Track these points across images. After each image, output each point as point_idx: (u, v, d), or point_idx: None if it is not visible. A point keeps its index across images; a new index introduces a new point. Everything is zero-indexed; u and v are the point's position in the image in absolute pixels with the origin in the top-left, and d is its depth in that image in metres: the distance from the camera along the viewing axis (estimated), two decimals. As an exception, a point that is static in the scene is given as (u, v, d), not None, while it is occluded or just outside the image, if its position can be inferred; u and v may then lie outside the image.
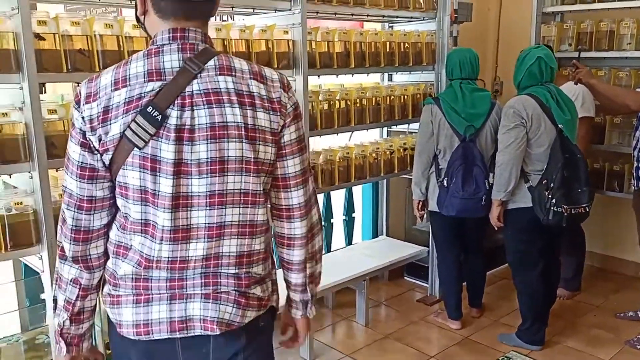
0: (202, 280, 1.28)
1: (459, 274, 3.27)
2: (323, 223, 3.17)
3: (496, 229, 3.02)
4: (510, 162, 2.74)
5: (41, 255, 2.01)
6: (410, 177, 3.43)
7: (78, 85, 1.45)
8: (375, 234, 4.03)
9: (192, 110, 1.20)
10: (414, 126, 3.50)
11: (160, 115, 1.18)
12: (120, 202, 1.27)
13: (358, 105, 3.05)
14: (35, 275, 2.49)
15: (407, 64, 3.28)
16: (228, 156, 1.22)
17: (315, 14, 2.85)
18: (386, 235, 4.00)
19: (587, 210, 2.75)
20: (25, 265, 2.45)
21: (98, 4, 2.85)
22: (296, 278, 1.44)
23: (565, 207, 2.65)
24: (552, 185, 2.65)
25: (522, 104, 2.72)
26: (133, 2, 1.33)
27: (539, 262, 2.91)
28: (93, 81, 1.25)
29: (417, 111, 3.35)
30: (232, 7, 2.58)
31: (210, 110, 1.20)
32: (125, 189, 1.24)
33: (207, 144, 1.20)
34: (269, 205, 1.38)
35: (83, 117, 1.22)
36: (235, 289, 1.30)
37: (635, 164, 3.06)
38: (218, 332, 1.29)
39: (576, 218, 2.75)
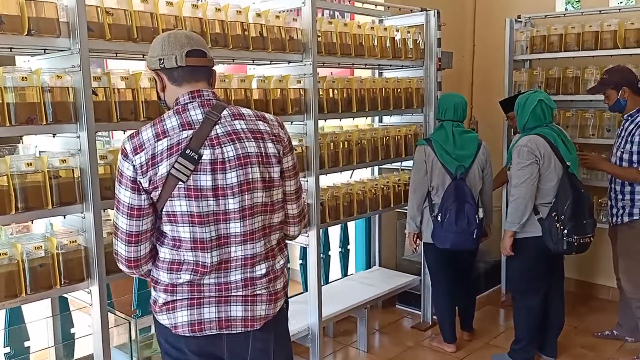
0: (242, 283, 1.65)
1: (452, 300, 3.53)
2: (322, 255, 3.51)
3: (504, 256, 3.30)
4: (526, 196, 2.99)
5: (90, 290, 2.16)
6: (403, 210, 3.71)
7: (124, 133, 2.11)
8: (369, 265, 4.27)
9: (221, 147, 1.58)
10: (406, 163, 3.81)
11: (196, 155, 1.55)
12: (168, 227, 1.62)
13: (359, 145, 3.33)
14: (66, 312, 2.63)
15: (400, 107, 3.60)
16: (252, 178, 1.61)
17: (322, 65, 3.14)
18: (379, 266, 4.24)
19: (592, 239, 3.06)
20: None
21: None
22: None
23: (575, 237, 2.95)
24: (562, 217, 2.94)
25: (535, 143, 3.01)
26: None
27: (542, 288, 3.18)
28: (134, 137, 1.61)
29: (409, 150, 3.66)
30: (253, 60, 2.84)
31: (235, 146, 1.59)
32: (174, 216, 1.59)
33: (237, 170, 1.59)
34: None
35: (134, 166, 1.57)
36: (267, 288, 1.68)
37: (609, 202, 3.37)
38: (257, 327, 1.67)
39: (584, 246, 3.04)
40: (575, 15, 4.22)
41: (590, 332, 3.78)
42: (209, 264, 1.60)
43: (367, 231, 4.24)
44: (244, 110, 1.67)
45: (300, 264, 3.82)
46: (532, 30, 4.20)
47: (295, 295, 3.71)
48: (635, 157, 3.13)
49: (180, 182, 1.54)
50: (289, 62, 2.94)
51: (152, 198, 1.58)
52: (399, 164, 3.90)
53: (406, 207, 3.50)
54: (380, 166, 3.98)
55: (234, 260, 1.63)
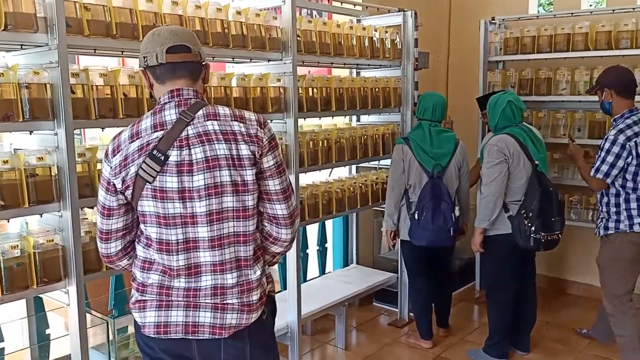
0: (212, 291, 1.60)
1: (429, 297, 3.58)
2: (300, 254, 3.49)
3: (476, 253, 3.35)
4: (495, 194, 3.07)
5: (67, 290, 2.13)
6: (381, 208, 3.75)
7: (102, 130, 2.15)
8: (347, 263, 4.29)
9: (190, 149, 1.54)
10: (384, 162, 3.84)
11: (162, 156, 1.53)
12: (142, 226, 1.63)
13: (338, 144, 3.35)
14: (41, 312, 2.58)
15: (377, 106, 3.63)
16: (221, 181, 1.55)
17: (302, 63, 3.14)
18: (357, 264, 4.27)
19: (559, 236, 3.14)
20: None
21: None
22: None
23: (542, 234, 3.03)
24: (530, 214, 3.03)
25: (505, 142, 3.09)
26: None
27: (513, 284, 3.26)
28: (116, 138, 1.63)
29: (387, 149, 3.69)
30: (233, 58, 2.83)
31: (204, 147, 1.54)
32: (143, 216, 1.59)
33: (204, 173, 1.54)
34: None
35: (111, 167, 1.59)
36: (239, 297, 1.61)
37: (599, 213, 3.20)
38: (226, 336, 1.61)
39: (551, 243, 3.12)
40: (547, 17, 4.31)
41: (562, 327, 3.88)
42: (175, 267, 1.58)
43: (344, 229, 4.26)
44: (221, 110, 1.61)
45: (279, 263, 3.81)
46: (506, 32, 4.28)
47: (274, 294, 3.72)
48: (597, 165, 2.98)
49: (147, 183, 1.54)
50: (269, 61, 2.94)
51: (126, 198, 1.60)
52: (377, 162, 3.93)
53: (384, 206, 3.54)
54: (358, 165, 4.01)
55: (203, 266, 1.59)
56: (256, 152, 1.58)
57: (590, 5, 4.80)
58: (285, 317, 3.15)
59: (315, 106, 3.18)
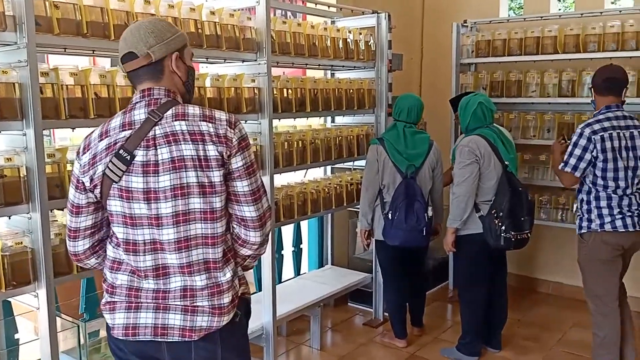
0: (181, 293, 1.59)
1: (403, 297, 3.61)
2: (275, 255, 3.47)
3: (449, 253, 3.39)
4: (466, 194, 3.12)
5: (37, 293, 2.09)
6: (355, 209, 3.77)
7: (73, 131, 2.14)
8: (322, 264, 4.30)
9: (156, 149, 1.52)
10: (359, 163, 3.86)
11: (129, 155, 1.52)
12: (112, 226, 1.61)
13: (312, 145, 3.35)
14: (10, 317, 2.52)
15: (352, 107, 3.66)
16: (187, 182, 1.53)
17: (276, 64, 3.14)
18: (331, 264, 4.28)
19: (529, 235, 3.20)
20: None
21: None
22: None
23: (512, 233, 3.08)
24: (500, 214, 3.08)
25: (476, 143, 3.14)
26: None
27: (485, 283, 3.31)
28: (88, 137, 1.62)
29: (362, 150, 3.72)
30: (207, 59, 2.81)
31: (170, 148, 1.52)
32: (111, 215, 1.59)
33: (169, 174, 1.52)
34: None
35: (80, 164, 1.59)
36: (209, 300, 1.59)
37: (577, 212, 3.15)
38: (196, 338, 1.59)
39: (521, 242, 3.18)
40: (518, 21, 4.39)
41: (533, 324, 3.96)
42: (142, 268, 1.58)
43: (319, 230, 4.27)
44: (191, 110, 1.57)
45: (253, 264, 3.80)
46: (478, 35, 4.36)
47: (248, 295, 3.71)
48: (566, 158, 2.96)
49: (114, 183, 1.53)
50: (243, 61, 2.93)
51: (96, 196, 1.59)
52: (351, 163, 3.95)
53: (358, 206, 3.56)
54: (333, 166, 4.02)
55: (171, 267, 1.58)
56: (224, 153, 1.54)
57: (559, 10, 4.92)
58: (260, 319, 3.14)
59: (290, 107, 3.18)
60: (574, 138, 2.94)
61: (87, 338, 2.58)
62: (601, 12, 3.93)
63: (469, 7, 4.68)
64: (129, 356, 1.65)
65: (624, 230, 2.89)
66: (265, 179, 3.00)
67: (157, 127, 1.53)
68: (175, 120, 1.55)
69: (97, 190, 1.56)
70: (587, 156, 2.90)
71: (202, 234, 1.57)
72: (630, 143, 2.88)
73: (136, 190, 1.52)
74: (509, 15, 4.85)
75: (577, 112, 4.01)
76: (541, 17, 4.19)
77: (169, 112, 1.55)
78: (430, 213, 3.35)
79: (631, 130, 2.90)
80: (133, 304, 1.60)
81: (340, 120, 4.08)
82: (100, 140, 1.56)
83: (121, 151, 1.52)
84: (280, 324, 3.56)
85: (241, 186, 1.59)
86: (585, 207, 3.01)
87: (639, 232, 2.93)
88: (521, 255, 4.28)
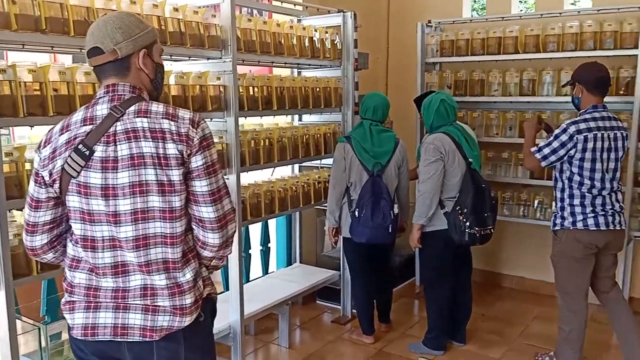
0: (141, 292, 1.56)
1: (370, 294, 3.65)
2: (243, 254, 3.45)
3: (415, 250, 3.43)
4: (432, 191, 3.17)
5: (-5, 296, 2.03)
6: (323, 207, 3.78)
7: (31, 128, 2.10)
8: (290, 262, 4.30)
9: (116, 145, 1.50)
10: (326, 161, 3.88)
11: (88, 151, 1.50)
12: (70, 221, 1.59)
13: (280, 143, 3.35)
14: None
15: (319, 106, 3.67)
16: (146, 180, 1.50)
17: (242, 62, 3.13)
18: (300, 263, 4.29)
19: (492, 231, 3.27)
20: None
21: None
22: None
23: (476, 229, 3.14)
24: (465, 210, 3.13)
25: (440, 140, 3.19)
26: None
27: (450, 278, 3.37)
28: (50, 131, 1.60)
29: (329, 148, 3.73)
30: (171, 56, 2.78)
31: (130, 144, 1.50)
32: (69, 211, 1.57)
33: (128, 170, 1.50)
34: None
35: (40, 158, 1.57)
36: (170, 300, 1.57)
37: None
38: (157, 338, 1.57)
39: (485, 238, 3.24)
40: (480, 21, 4.49)
41: (496, 319, 4.05)
42: (100, 265, 1.56)
43: (287, 228, 4.27)
44: (154, 107, 1.55)
45: (221, 263, 3.78)
46: (442, 35, 4.42)
47: (215, 295, 3.68)
48: (542, 145, 2.97)
49: (72, 178, 1.52)
50: (208, 59, 2.91)
51: (56, 191, 1.57)
52: (319, 161, 3.96)
53: (326, 204, 3.58)
54: (300, 164, 4.02)
55: (130, 265, 1.56)
56: (184, 152, 1.52)
57: (520, 10, 5.04)
58: (227, 318, 3.12)
59: (257, 105, 3.17)
60: (557, 131, 2.94)
61: (49, 341, 2.52)
62: (560, 13, 4.05)
63: (433, 8, 4.75)
64: (89, 357, 1.62)
65: (595, 228, 2.91)
66: (232, 178, 2.98)
67: (118, 123, 1.51)
68: (137, 116, 1.52)
69: (57, 185, 1.54)
70: (562, 152, 2.90)
71: (161, 233, 1.54)
72: (613, 144, 2.89)
73: (94, 186, 1.51)
74: (471, 16, 4.94)
75: (537, 110, 4.12)
76: (502, 17, 4.28)
77: (132, 109, 1.53)
78: (396, 210, 3.39)
79: (615, 132, 2.91)
80: (92, 304, 1.58)
81: (307, 118, 4.09)
82: (61, 134, 1.55)
83: (80, 146, 1.50)
84: (248, 323, 3.55)
85: (200, 186, 1.56)
86: (559, 204, 3.03)
87: (612, 231, 2.95)
88: (485, 250, 4.36)
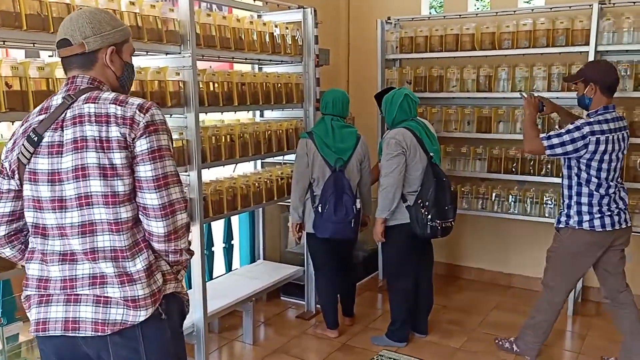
0: (90, 281, 1.54)
1: (334, 288, 3.67)
2: (205, 252, 3.39)
3: (377, 243, 3.47)
4: (394, 185, 3.21)
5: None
6: (286, 203, 3.79)
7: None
8: (253, 259, 4.29)
9: (62, 130, 1.52)
10: (289, 157, 3.88)
11: (37, 137, 1.53)
12: (24, 211, 1.59)
13: (241, 139, 3.34)
14: None
15: (280, 102, 3.66)
16: (88, 163, 1.49)
17: (202, 57, 3.10)
18: (263, 259, 4.28)
19: (453, 224, 3.34)
20: None
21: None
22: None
23: (438, 221, 3.20)
24: (427, 204, 3.19)
25: (402, 135, 3.23)
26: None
27: (412, 271, 3.43)
28: (18, 124, 1.63)
29: (291, 144, 3.74)
30: (128, 50, 2.72)
31: (74, 129, 1.51)
32: (25, 200, 1.58)
33: (72, 154, 1.50)
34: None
35: (5, 149, 1.61)
36: (120, 289, 1.53)
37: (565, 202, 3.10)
38: (110, 332, 1.54)
39: (446, 230, 3.31)
40: (438, 18, 4.57)
41: (457, 309, 4.15)
42: (48, 252, 1.55)
43: (251, 225, 4.26)
44: (105, 95, 1.55)
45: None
46: (401, 32, 4.48)
47: (181, 294, 3.63)
48: (552, 134, 2.94)
49: (24, 166, 1.53)
50: (167, 54, 2.87)
51: (17, 184, 1.59)
52: (281, 157, 3.96)
53: (289, 200, 3.58)
54: (263, 160, 4.02)
55: (77, 254, 1.53)
56: (127, 135, 1.49)
57: (477, 8, 5.15)
58: (190, 316, 3.09)
59: (217, 101, 3.15)
60: (571, 127, 2.90)
61: (5, 343, 2.44)
62: (514, 11, 4.15)
63: (393, 5, 4.81)
64: (49, 356, 1.59)
65: (601, 229, 2.93)
66: (193, 174, 2.96)
67: (68, 110, 1.53)
68: (86, 102, 1.53)
69: (17, 177, 1.56)
70: (569, 148, 2.88)
71: (105, 219, 1.51)
72: (619, 145, 2.91)
73: (42, 172, 1.52)
74: (430, 13, 5.03)
75: (494, 106, 4.22)
76: (459, 15, 4.37)
77: (83, 96, 1.55)
78: (358, 205, 3.43)
79: (622, 132, 2.94)
80: (44, 298, 1.57)
81: (268, 114, 4.08)
82: (22, 125, 1.59)
83: (31, 133, 1.53)
84: (211, 321, 3.52)
85: (144, 171, 1.52)
86: (566, 201, 3.03)
87: (618, 230, 2.96)
88: (445, 243, 4.46)
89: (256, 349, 3.56)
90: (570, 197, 3.01)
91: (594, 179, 2.92)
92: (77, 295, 1.54)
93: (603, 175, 2.91)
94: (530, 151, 3.12)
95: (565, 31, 3.84)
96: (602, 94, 2.92)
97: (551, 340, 3.41)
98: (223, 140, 3.20)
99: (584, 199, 2.96)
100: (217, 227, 4.06)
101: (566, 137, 2.88)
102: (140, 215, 1.57)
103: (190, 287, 3.33)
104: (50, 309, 1.55)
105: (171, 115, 2.90)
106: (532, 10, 4.16)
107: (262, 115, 4.11)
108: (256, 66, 3.99)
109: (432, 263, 3.70)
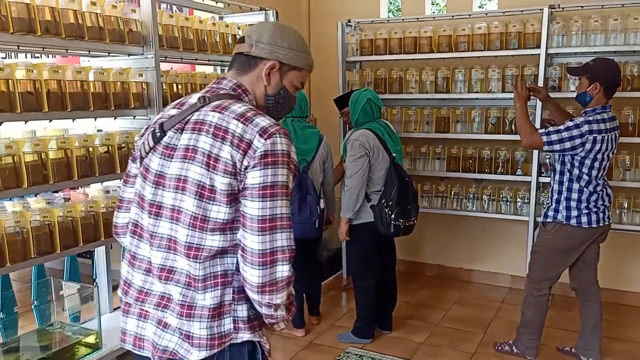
0: (158, 300, 1.42)
1: (300, 288, 3.70)
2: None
3: (342, 241, 3.51)
4: (358, 186, 3.27)
5: None
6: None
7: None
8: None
9: (182, 133, 1.40)
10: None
11: (160, 133, 1.43)
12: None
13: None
14: None
15: (243, 103, 3.66)
16: (188, 177, 1.35)
17: (164, 59, 3.08)
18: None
19: (415, 222, 3.42)
20: None
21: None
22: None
23: (401, 220, 3.28)
24: (390, 203, 3.26)
25: (365, 136, 3.30)
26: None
27: (376, 269, 3.50)
28: None
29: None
30: (89, 51, 2.69)
31: (191, 135, 1.37)
32: (134, 194, 1.50)
33: (179, 162, 1.37)
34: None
35: (139, 134, 1.57)
36: (178, 318, 1.37)
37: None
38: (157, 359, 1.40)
39: (409, 229, 3.38)
40: (397, 21, 4.67)
41: (420, 305, 4.25)
42: (138, 257, 1.46)
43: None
44: (235, 106, 1.38)
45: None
46: (361, 34, 4.56)
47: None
48: (550, 129, 2.95)
49: (143, 159, 1.47)
50: (129, 55, 2.84)
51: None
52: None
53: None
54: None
55: (155, 269, 1.41)
56: (238, 161, 1.31)
57: (433, 12, 5.29)
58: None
59: (180, 102, 3.13)
60: (570, 124, 2.91)
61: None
62: (469, 15, 4.30)
63: (352, 8, 4.88)
64: None
65: (587, 226, 3.00)
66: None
67: (195, 113, 1.41)
68: (213, 110, 1.39)
69: (138, 162, 1.50)
70: (567, 145, 2.90)
71: (186, 242, 1.35)
72: (610, 145, 2.95)
73: (152, 172, 1.43)
74: (388, 17, 5.13)
75: (452, 107, 4.35)
76: (417, 18, 4.48)
77: (215, 102, 1.41)
78: (322, 205, 3.47)
79: (615, 132, 2.98)
80: (126, 306, 1.50)
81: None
82: (159, 114, 1.55)
83: (157, 128, 1.44)
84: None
85: (250, 207, 1.31)
86: (555, 196, 3.06)
87: (602, 227, 3.04)
88: (407, 241, 4.54)
89: (223, 350, 3.54)
90: (560, 192, 3.05)
91: (584, 176, 2.96)
92: (147, 312, 1.44)
93: (594, 173, 2.96)
94: (527, 145, 3.13)
95: (517, 34, 4.00)
96: (605, 94, 2.94)
97: (503, 332, 3.54)
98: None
99: (574, 195, 3.00)
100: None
101: (565, 135, 2.90)
102: (238, 255, 1.37)
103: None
104: (128, 320, 1.48)
105: (134, 117, 2.88)
106: (487, 14, 4.31)
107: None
108: (218, 68, 3.99)
109: (395, 261, 3.78)
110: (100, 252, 3.27)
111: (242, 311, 1.40)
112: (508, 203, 4.20)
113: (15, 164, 2.27)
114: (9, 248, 2.28)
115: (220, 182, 1.32)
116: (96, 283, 3.29)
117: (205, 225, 1.34)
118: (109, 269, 3.31)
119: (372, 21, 4.68)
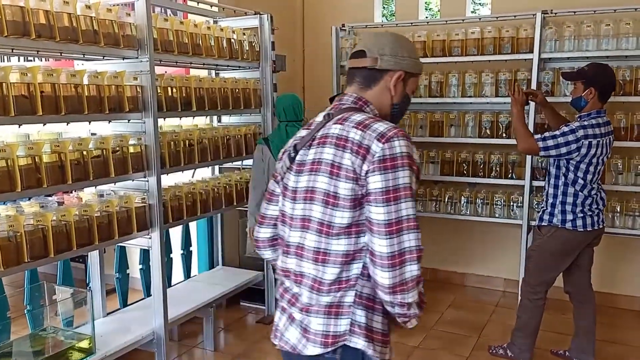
0: (291, 298, 1.53)
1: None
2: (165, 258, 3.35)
3: None
4: None
5: None
6: (245, 208, 3.79)
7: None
8: (212, 265, 4.26)
9: (309, 149, 1.50)
10: (247, 162, 3.90)
11: (294, 153, 1.53)
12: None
13: (200, 144, 3.33)
14: None
15: (238, 107, 3.68)
16: (316, 187, 1.45)
17: (159, 62, 3.08)
18: (222, 265, 4.26)
19: None
20: None
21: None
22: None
23: None
24: None
25: None
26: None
27: None
28: None
29: (250, 149, 3.75)
30: (84, 55, 2.69)
31: (317, 149, 1.48)
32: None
33: (307, 175, 1.48)
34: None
35: (279, 157, 1.63)
36: (299, 312, 1.48)
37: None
38: (278, 347, 1.55)
39: None
40: (391, 26, 4.69)
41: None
42: (283, 267, 1.56)
43: (209, 231, 4.23)
44: (356, 117, 1.45)
45: (141, 269, 3.68)
46: (355, 39, 4.58)
47: (136, 302, 3.59)
48: (547, 135, 2.96)
49: (282, 179, 1.56)
50: (124, 58, 2.84)
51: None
52: (240, 163, 3.97)
53: (247, 205, 3.59)
54: (221, 165, 4.01)
55: (291, 274, 1.52)
56: (358, 166, 1.37)
57: (427, 17, 5.32)
58: (150, 324, 3.06)
59: (176, 106, 3.13)
60: (566, 129, 2.92)
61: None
62: (463, 20, 4.33)
63: (346, 12, 4.90)
64: None
65: (582, 230, 3.01)
66: (152, 180, 2.93)
67: (322, 129, 1.49)
68: (336, 123, 1.48)
69: (280, 184, 1.60)
70: (563, 150, 2.91)
71: (314, 247, 1.45)
72: (604, 150, 2.96)
73: (289, 189, 1.53)
74: (382, 21, 5.15)
75: (445, 111, 4.37)
76: (411, 23, 4.50)
77: (338, 116, 1.49)
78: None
79: (609, 137, 2.99)
80: (279, 305, 1.59)
81: (226, 120, 4.08)
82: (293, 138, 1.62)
83: (291, 149, 1.54)
84: (171, 328, 3.48)
85: (375, 213, 1.36)
86: (550, 200, 3.07)
87: (597, 230, 3.05)
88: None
89: (217, 355, 3.54)
90: (555, 197, 3.05)
91: (580, 180, 2.97)
92: (284, 308, 1.56)
93: (589, 177, 2.97)
94: (523, 150, 3.13)
95: (510, 39, 4.02)
96: (600, 99, 2.96)
97: (497, 336, 3.55)
98: (182, 145, 3.19)
99: (569, 199, 3.01)
100: (175, 233, 4.02)
101: (561, 140, 2.91)
102: (367, 260, 1.41)
103: (149, 295, 3.29)
104: (281, 318, 1.57)
105: (129, 120, 2.87)
106: (480, 19, 4.33)
107: (219, 121, 4.10)
108: (213, 71, 3.99)
109: None
110: (93, 257, 3.26)
111: (360, 316, 1.43)
112: (502, 207, 4.22)
113: (8, 167, 2.26)
114: (2, 252, 2.27)
115: (343, 188, 1.39)
116: (89, 287, 3.28)
117: (331, 231, 1.42)
118: (102, 273, 3.30)
119: (366, 26, 4.70)
